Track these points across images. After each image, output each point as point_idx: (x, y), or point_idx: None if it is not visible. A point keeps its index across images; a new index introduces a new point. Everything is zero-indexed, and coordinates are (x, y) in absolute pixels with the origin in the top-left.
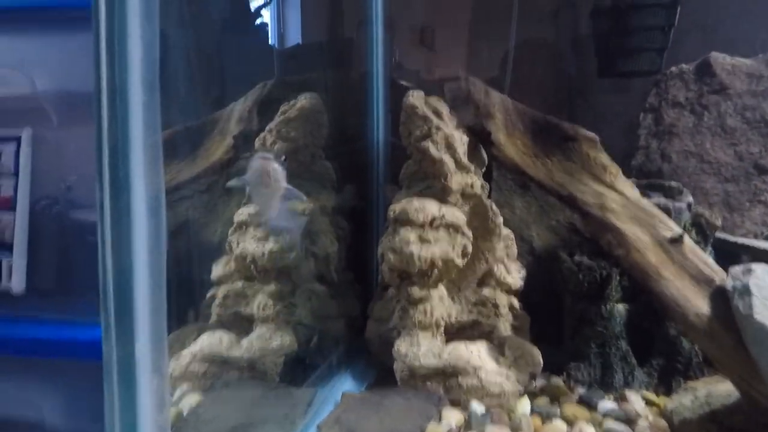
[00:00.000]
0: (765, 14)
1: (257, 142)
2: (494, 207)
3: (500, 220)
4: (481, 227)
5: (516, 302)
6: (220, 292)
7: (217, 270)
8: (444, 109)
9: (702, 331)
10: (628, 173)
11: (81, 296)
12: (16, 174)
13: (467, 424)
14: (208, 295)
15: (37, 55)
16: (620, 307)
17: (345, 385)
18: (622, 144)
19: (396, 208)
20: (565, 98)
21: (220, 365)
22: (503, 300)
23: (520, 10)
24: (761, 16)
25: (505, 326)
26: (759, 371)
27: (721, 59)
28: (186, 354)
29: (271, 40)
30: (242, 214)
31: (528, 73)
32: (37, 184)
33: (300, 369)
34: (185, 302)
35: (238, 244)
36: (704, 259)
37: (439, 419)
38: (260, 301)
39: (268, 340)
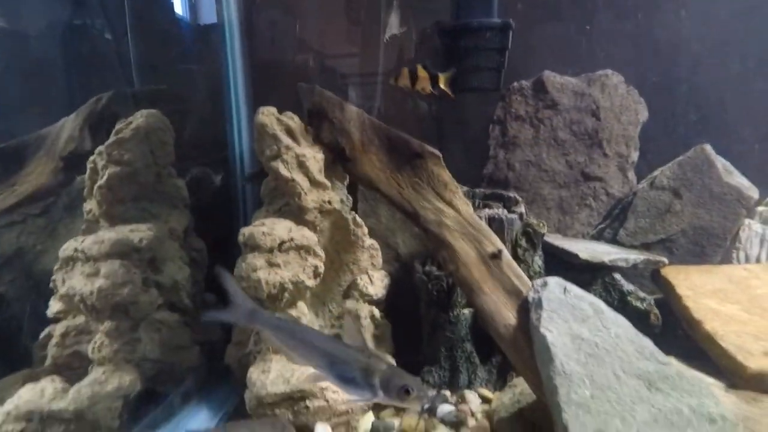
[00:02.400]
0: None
1: (88, 166)
2: (357, 219)
3: (364, 231)
4: (344, 240)
5: (377, 312)
6: (58, 329)
7: (55, 305)
8: (297, 126)
9: (508, 341)
10: (480, 180)
11: None
12: None
13: None
14: (43, 334)
15: None
16: (466, 312)
17: (197, 418)
18: (479, 153)
19: (245, 231)
20: (432, 109)
21: (40, 422)
22: (365, 311)
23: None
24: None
25: (365, 337)
26: (542, 379)
27: (552, 77)
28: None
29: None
30: (68, 248)
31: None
32: None
33: (144, 408)
34: (14, 345)
35: (64, 282)
36: (517, 273)
37: None
38: (96, 341)
39: (102, 384)
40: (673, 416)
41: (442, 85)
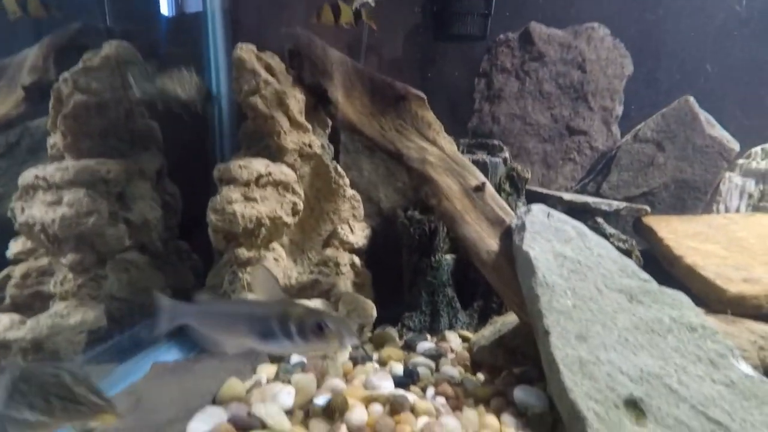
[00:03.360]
0: None
1: (52, 95)
2: (339, 168)
3: (345, 181)
4: (325, 188)
5: (358, 260)
6: (18, 270)
7: (16, 246)
8: (278, 65)
9: (491, 266)
10: (466, 133)
11: None
12: None
13: (277, 375)
14: (1, 275)
15: None
16: (448, 258)
17: (166, 356)
18: (465, 107)
19: (220, 167)
20: (417, 64)
21: None
22: (345, 259)
23: None
24: None
25: (345, 284)
26: (524, 296)
27: (538, 29)
28: None
29: None
30: (28, 176)
31: (381, 40)
32: None
33: (110, 344)
34: None
35: (23, 210)
36: (500, 204)
37: (252, 375)
38: (59, 276)
39: (63, 317)
40: (654, 324)
41: (364, 18)
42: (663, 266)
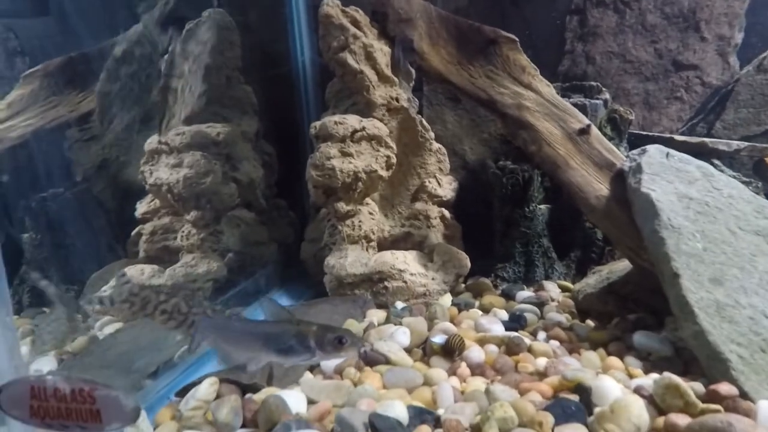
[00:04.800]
0: None
1: (163, 65)
2: (424, 122)
3: (431, 134)
4: (412, 143)
5: (447, 213)
6: (147, 228)
7: (142, 207)
8: (363, 18)
9: (601, 211)
10: (555, 79)
11: None
12: None
13: (387, 319)
14: (134, 232)
15: None
16: (542, 207)
17: (280, 301)
18: (552, 49)
19: (316, 124)
20: (495, 5)
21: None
22: (434, 212)
23: None
24: None
25: (436, 236)
26: (643, 239)
27: None
28: (106, 288)
29: None
30: (152, 142)
31: None
32: None
33: (230, 292)
34: (110, 242)
35: (151, 173)
36: (608, 147)
37: (363, 319)
38: (184, 231)
39: (193, 267)
40: None
41: None
42: None
